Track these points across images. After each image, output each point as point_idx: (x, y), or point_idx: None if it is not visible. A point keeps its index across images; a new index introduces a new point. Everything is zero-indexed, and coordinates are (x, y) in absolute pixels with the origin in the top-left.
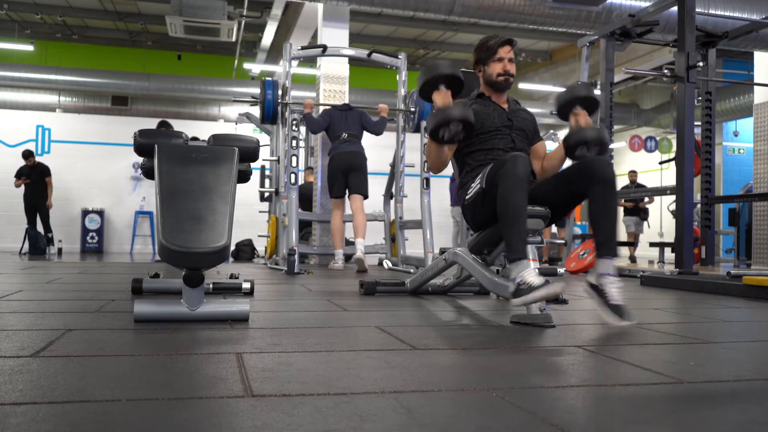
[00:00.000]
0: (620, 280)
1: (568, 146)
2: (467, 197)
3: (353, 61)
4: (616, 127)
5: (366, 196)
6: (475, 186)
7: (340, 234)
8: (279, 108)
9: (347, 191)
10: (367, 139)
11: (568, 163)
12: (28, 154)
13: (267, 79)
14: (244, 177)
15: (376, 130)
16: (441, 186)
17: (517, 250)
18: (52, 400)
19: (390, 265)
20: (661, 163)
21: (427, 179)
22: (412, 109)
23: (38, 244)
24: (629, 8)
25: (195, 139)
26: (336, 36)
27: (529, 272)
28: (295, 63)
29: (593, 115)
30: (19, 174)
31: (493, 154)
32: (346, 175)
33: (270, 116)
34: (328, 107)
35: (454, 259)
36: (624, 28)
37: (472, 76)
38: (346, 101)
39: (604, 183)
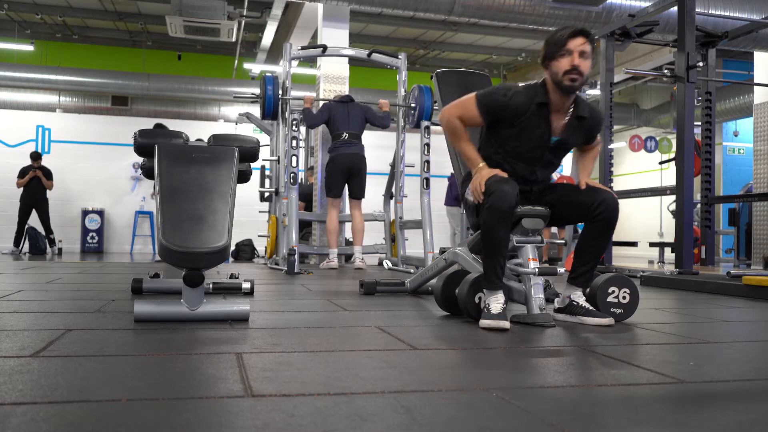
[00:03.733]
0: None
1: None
2: (465, 196)
3: (353, 61)
4: (616, 127)
5: (363, 197)
6: (469, 195)
7: (336, 234)
8: (279, 104)
9: (348, 194)
10: (367, 139)
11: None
12: (36, 156)
13: (267, 74)
14: (244, 177)
15: (383, 124)
16: (441, 185)
17: (491, 280)
18: (52, 400)
19: (390, 265)
20: (661, 163)
21: (427, 179)
22: (413, 105)
23: (38, 244)
24: (629, 8)
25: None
26: (336, 36)
27: (497, 299)
28: (295, 63)
29: None
30: (23, 173)
31: (506, 167)
32: (346, 177)
33: (270, 112)
34: (327, 101)
35: (454, 258)
36: (624, 28)
37: (477, 76)
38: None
39: (607, 223)
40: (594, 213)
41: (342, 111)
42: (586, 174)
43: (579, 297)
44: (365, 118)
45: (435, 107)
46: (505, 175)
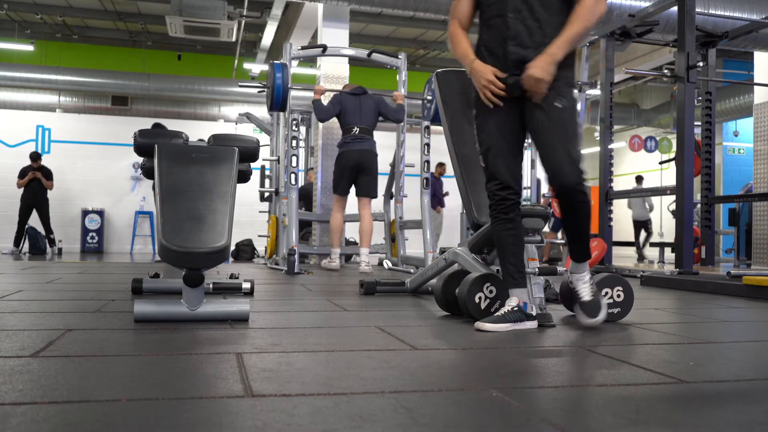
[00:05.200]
0: (590, 277)
1: None
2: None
3: (353, 61)
4: (616, 127)
5: (374, 197)
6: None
7: (339, 233)
8: (289, 94)
9: (355, 192)
10: None
11: None
12: (36, 156)
13: (276, 62)
14: (244, 177)
15: (398, 117)
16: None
17: (505, 280)
18: (52, 400)
19: (390, 265)
20: (661, 163)
21: (427, 179)
22: (429, 98)
23: (38, 244)
24: (629, 8)
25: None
26: (336, 36)
27: (510, 301)
28: (295, 63)
29: None
30: (23, 174)
31: (494, 28)
32: (355, 174)
33: (279, 102)
34: (337, 92)
35: (454, 258)
36: (624, 27)
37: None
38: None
39: (565, 202)
40: (552, 185)
41: (354, 103)
42: (563, 37)
43: (581, 281)
44: (378, 112)
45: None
46: (499, 74)
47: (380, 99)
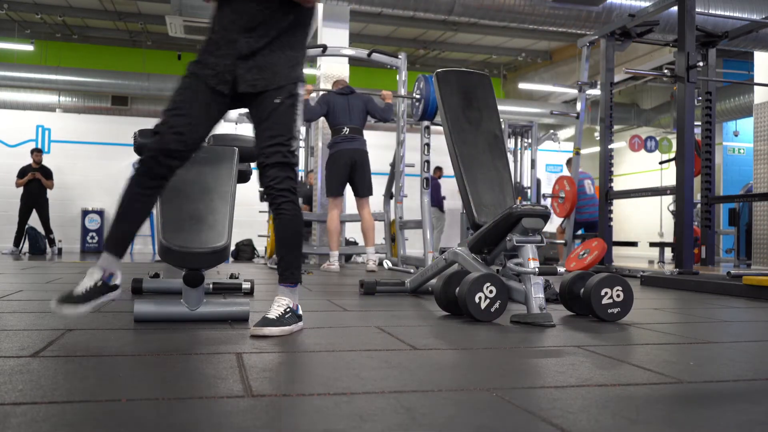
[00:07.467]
0: (283, 304)
1: None
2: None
3: (353, 61)
4: (616, 127)
5: (371, 194)
6: None
7: (337, 234)
8: None
9: (354, 193)
10: (367, 139)
11: None
12: (37, 151)
13: None
14: (244, 177)
15: (385, 117)
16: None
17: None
18: (52, 400)
19: (390, 265)
20: (661, 163)
21: (427, 179)
22: (417, 96)
23: (38, 244)
24: (629, 8)
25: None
26: (336, 36)
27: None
28: None
29: None
30: (23, 173)
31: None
32: (349, 174)
33: None
34: (325, 92)
35: (454, 258)
36: (624, 28)
37: (477, 76)
38: (348, 85)
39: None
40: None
41: (342, 103)
42: None
43: (276, 303)
44: (366, 110)
45: None
46: None
47: (368, 98)
